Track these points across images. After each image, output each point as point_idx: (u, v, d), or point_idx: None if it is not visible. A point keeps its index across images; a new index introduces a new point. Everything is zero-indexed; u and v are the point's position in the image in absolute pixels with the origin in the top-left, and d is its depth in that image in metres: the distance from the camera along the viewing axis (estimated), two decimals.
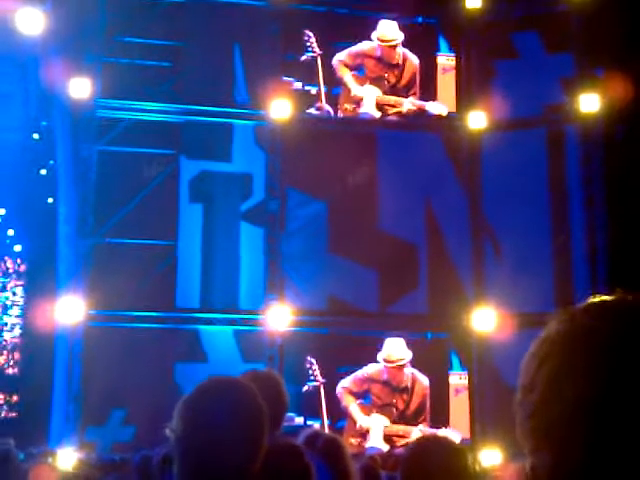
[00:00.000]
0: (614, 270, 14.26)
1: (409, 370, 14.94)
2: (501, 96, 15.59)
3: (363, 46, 15.99)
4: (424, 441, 3.13)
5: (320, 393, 14.67)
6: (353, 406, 14.73)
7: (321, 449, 3.95)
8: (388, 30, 16.08)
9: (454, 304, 15.15)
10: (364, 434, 14.64)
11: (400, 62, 16.10)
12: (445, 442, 3.06)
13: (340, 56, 15.82)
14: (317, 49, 15.77)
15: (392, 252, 15.09)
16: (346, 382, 14.74)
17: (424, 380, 14.95)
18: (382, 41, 16.01)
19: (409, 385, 14.92)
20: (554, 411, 1.17)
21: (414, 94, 16.05)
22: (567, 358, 1.19)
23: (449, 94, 16.19)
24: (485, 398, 14.80)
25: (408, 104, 15.99)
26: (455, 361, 15.31)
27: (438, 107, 16.06)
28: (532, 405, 1.21)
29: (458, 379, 15.18)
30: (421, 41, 16.25)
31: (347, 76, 15.84)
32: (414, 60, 16.12)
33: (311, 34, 15.77)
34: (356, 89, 15.82)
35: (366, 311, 15.17)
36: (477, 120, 15.76)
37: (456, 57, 16.28)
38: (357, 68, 15.89)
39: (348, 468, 4.01)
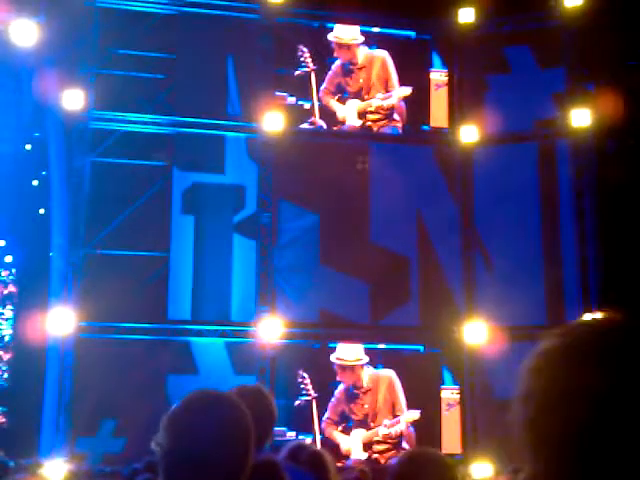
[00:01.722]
0: (605, 283, 14.30)
1: (369, 371, 14.96)
2: (493, 110, 15.65)
3: (334, 66, 16.06)
4: (413, 455, 3.13)
5: (312, 407, 14.65)
6: (335, 433, 14.73)
7: (305, 462, 3.96)
8: (344, 31, 16.17)
9: (445, 317, 15.17)
10: (347, 455, 14.62)
11: (366, 64, 16.15)
12: (434, 456, 3.06)
13: (323, 85, 15.89)
14: (311, 64, 15.82)
15: (384, 265, 15.14)
16: (327, 413, 14.75)
17: (388, 374, 14.96)
18: (337, 39, 16.10)
19: (371, 385, 14.94)
20: (547, 424, 1.19)
21: (391, 87, 16.10)
22: (562, 372, 1.21)
23: (442, 109, 16.25)
24: (476, 411, 14.81)
25: (377, 101, 16.05)
26: (447, 376, 15.31)
27: (403, 90, 16.08)
28: (527, 417, 1.23)
29: (450, 394, 15.18)
30: (415, 57, 16.32)
31: (331, 102, 15.91)
32: (380, 54, 16.17)
33: (305, 49, 15.83)
34: (339, 110, 15.89)
35: (358, 323, 15.17)
36: (469, 134, 15.82)
37: (448, 71, 16.35)
38: (340, 90, 15.95)
39: (331, 477, 4.02)
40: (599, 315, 1.30)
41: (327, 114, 15.81)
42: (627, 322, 1.25)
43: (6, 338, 16.59)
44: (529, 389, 1.24)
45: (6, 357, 16.51)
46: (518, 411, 1.25)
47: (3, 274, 16.95)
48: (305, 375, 14.65)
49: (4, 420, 16.02)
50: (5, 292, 16.81)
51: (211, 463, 2.07)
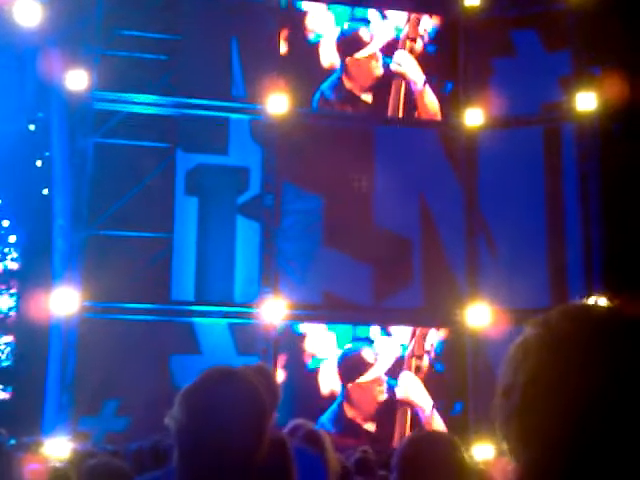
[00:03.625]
0: (609, 266, 14.30)
1: None
2: (498, 94, 15.60)
3: None
4: (420, 436, 3.14)
5: None
6: None
7: (302, 438, 3.98)
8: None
9: (449, 299, 15.18)
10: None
11: None
12: (441, 436, 3.06)
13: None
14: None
15: (387, 247, 15.13)
16: None
17: None
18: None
19: None
20: (531, 415, 1.18)
21: None
22: (543, 362, 1.20)
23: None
24: (479, 393, 14.81)
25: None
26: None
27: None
28: (510, 409, 1.22)
29: None
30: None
31: None
32: None
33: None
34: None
35: (361, 305, 15.18)
36: (474, 117, 15.77)
37: (454, 54, 16.30)
38: None
39: (328, 455, 4.03)
40: (575, 302, 1.29)
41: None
42: (606, 310, 1.24)
43: (10, 318, 16.64)
44: (511, 380, 1.23)
45: (9, 337, 16.57)
46: (501, 403, 1.24)
47: (6, 253, 16.99)
48: None
49: (8, 396, 16.09)
50: (8, 272, 16.85)
51: (226, 439, 2.06)
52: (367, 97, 15.94)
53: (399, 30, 16.18)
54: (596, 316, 1.23)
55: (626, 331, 1.19)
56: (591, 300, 1.28)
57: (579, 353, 1.17)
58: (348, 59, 15.91)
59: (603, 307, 1.26)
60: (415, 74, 16.07)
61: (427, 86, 16.08)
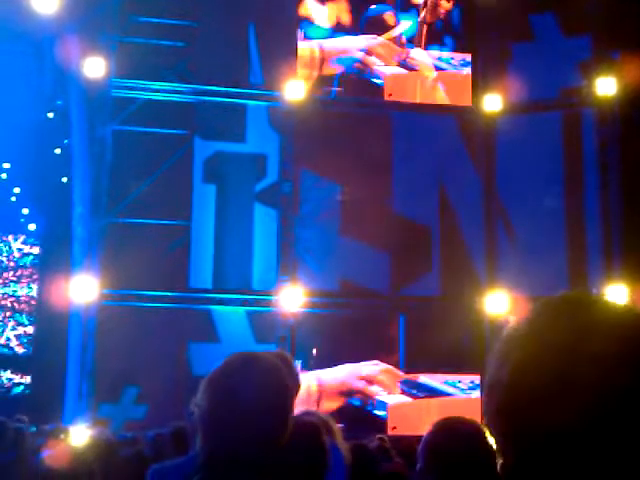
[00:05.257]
0: (628, 254, 14.20)
1: None
2: (517, 79, 15.48)
3: None
4: (445, 422, 3.12)
5: None
6: None
7: None
8: None
9: (467, 287, 15.11)
10: None
11: None
12: (466, 423, 3.04)
13: None
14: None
15: (405, 235, 15.06)
16: None
17: None
18: None
19: None
20: (513, 412, 1.14)
21: None
22: (525, 358, 1.14)
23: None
24: None
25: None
26: None
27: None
28: (494, 406, 1.18)
29: None
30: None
31: None
32: None
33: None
34: None
35: (378, 293, 15.15)
36: (492, 103, 15.67)
37: (472, 39, 16.19)
38: None
39: (340, 443, 4.03)
40: (561, 294, 1.24)
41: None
42: (592, 303, 1.20)
43: (30, 305, 16.74)
44: (495, 377, 1.18)
45: (29, 325, 16.67)
46: (486, 399, 1.20)
47: (27, 242, 17.07)
48: None
49: (28, 387, 16.20)
50: (28, 260, 16.94)
51: (253, 421, 2.06)
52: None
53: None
54: (580, 310, 1.19)
55: (608, 325, 1.15)
56: (584, 291, 1.23)
57: (560, 349, 1.13)
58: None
59: (590, 299, 1.21)
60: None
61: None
